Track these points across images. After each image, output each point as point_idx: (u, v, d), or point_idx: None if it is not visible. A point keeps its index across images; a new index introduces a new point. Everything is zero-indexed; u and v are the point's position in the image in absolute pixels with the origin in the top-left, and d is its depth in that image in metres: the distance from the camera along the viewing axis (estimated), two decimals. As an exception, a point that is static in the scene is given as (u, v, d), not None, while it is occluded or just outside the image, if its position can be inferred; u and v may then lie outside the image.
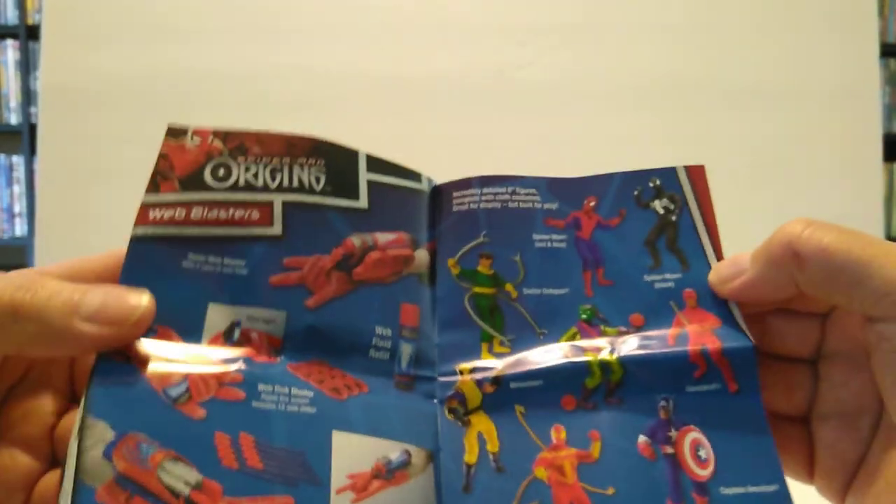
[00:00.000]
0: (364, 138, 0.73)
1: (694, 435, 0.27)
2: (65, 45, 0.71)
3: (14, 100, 2.24)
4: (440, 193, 0.32)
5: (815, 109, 0.73)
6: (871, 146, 0.73)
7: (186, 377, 0.25)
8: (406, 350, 0.29)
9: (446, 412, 0.28)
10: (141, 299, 0.25)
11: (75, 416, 0.25)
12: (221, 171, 0.29)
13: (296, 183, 0.29)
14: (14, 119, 2.24)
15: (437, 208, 0.32)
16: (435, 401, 0.28)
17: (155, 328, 0.26)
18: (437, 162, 0.72)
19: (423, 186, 0.32)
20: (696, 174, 0.31)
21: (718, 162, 0.73)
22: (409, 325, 0.29)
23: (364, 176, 0.31)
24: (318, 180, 0.29)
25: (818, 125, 0.73)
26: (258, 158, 0.29)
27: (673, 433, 0.27)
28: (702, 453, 0.26)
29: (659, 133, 0.72)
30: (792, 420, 0.29)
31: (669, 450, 0.26)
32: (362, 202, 0.30)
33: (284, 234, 0.28)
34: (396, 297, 0.29)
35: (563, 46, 0.73)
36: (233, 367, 0.26)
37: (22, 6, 2.20)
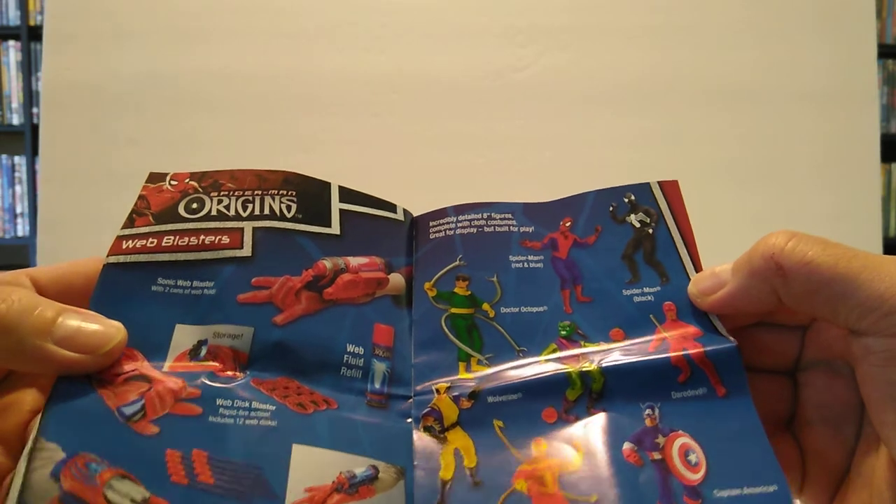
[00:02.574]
0: (364, 139, 0.74)
1: (683, 440, 0.26)
2: (66, 46, 0.72)
3: (16, 100, 2.25)
4: (418, 223, 0.32)
5: (814, 110, 0.73)
6: (869, 147, 0.74)
7: (143, 395, 0.25)
8: (379, 369, 0.28)
9: (422, 430, 0.27)
10: (115, 331, 0.25)
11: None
12: (195, 205, 0.29)
13: (267, 211, 0.30)
14: (16, 119, 2.25)
15: (415, 238, 0.32)
16: (409, 420, 0.27)
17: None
18: (438, 163, 0.72)
19: (398, 216, 0.33)
20: (670, 189, 0.31)
21: (717, 162, 0.73)
22: (382, 345, 0.29)
23: (336, 205, 0.31)
24: (289, 208, 0.30)
25: (816, 126, 0.73)
26: (231, 192, 0.30)
27: (661, 439, 0.26)
28: (692, 457, 0.25)
29: (658, 134, 0.73)
30: (778, 431, 0.29)
31: (657, 455, 0.25)
32: (334, 229, 0.30)
33: (254, 254, 0.28)
34: (369, 317, 0.29)
35: (563, 49, 0.73)
36: (193, 382, 0.25)
37: (24, 7, 2.20)
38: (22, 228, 2.30)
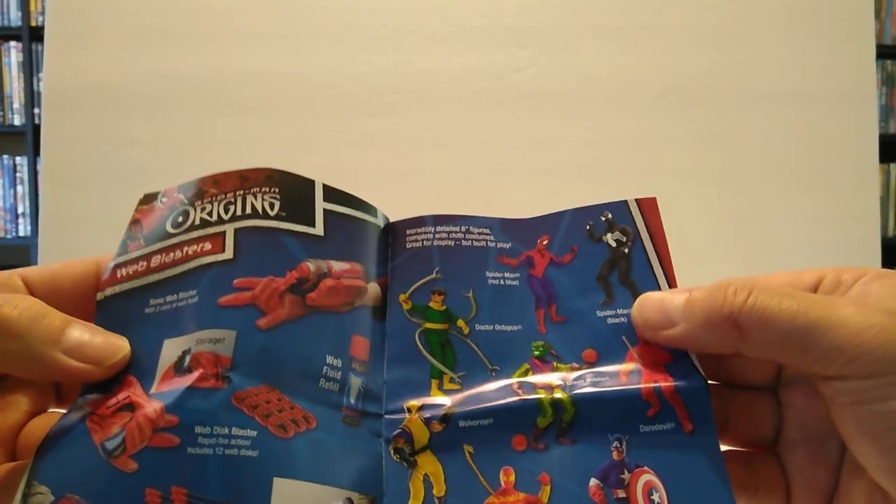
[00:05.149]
0: (364, 139, 0.74)
1: (647, 477, 0.26)
2: (68, 47, 0.72)
3: (18, 101, 2.25)
4: (394, 230, 0.32)
5: (812, 111, 0.74)
6: (868, 147, 0.74)
7: (124, 426, 0.24)
8: (355, 383, 0.28)
9: (392, 453, 0.27)
10: (121, 344, 0.25)
11: (47, 419, 0.26)
12: (180, 219, 0.29)
13: (249, 210, 0.29)
14: (18, 120, 2.25)
15: (391, 244, 0.31)
16: (381, 440, 0.27)
17: (120, 378, 0.26)
18: (438, 163, 0.73)
19: (378, 221, 0.32)
20: (648, 206, 0.31)
21: (716, 163, 0.73)
22: (358, 358, 0.28)
23: (320, 204, 0.30)
24: (272, 206, 0.29)
25: (815, 126, 0.74)
26: (214, 197, 0.29)
27: (626, 475, 0.26)
28: (655, 497, 0.26)
29: (658, 135, 0.73)
30: (763, 451, 0.29)
31: (622, 494, 0.26)
32: (318, 229, 0.30)
33: (236, 256, 0.28)
34: (348, 327, 0.28)
35: (562, 49, 0.73)
36: (172, 404, 0.24)
37: (25, 8, 2.21)
38: (24, 228, 2.31)
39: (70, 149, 0.72)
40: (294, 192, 0.30)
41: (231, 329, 0.26)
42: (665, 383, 0.27)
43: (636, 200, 0.31)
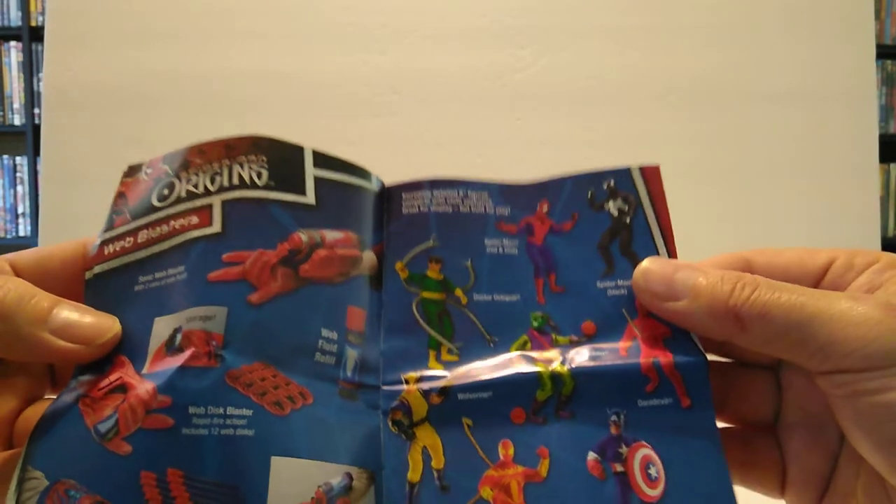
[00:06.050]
0: (364, 139, 0.74)
1: (645, 451, 0.26)
2: (68, 47, 0.72)
3: (18, 101, 2.25)
4: (389, 194, 0.31)
5: (812, 111, 0.74)
6: (868, 147, 0.74)
7: (116, 408, 0.24)
8: (352, 356, 0.27)
9: (390, 425, 0.27)
10: (111, 323, 0.25)
11: (44, 406, 0.25)
12: (166, 191, 0.28)
13: (236, 180, 0.28)
14: (18, 120, 2.25)
15: (386, 210, 0.30)
16: (379, 412, 0.27)
17: (112, 359, 0.25)
18: (438, 163, 0.73)
19: (372, 185, 0.30)
20: (651, 175, 0.30)
21: (716, 163, 0.73)
22: (355, 330, 0.28)
23: (311, 171, 0.29)
24: (259, 175, 0.28)
25: (815, 126, 0.74)
26: (199, 168, 0.28)
27: (623, 449, 0.26)
28: (652, 471, 0.26)
29: (658, 135, 0.73)
30: (762, 431, 0.29)
31: (619, 468, 0.26)
32: (309, 198, 0.28)
33: (224, 229, 0.27)
34: (343, 298, 0.28)
35: (562, 49, 0.73)
36: (164, 384, 0.24)
37: (25, 8, 2.21)
38: (24, 228, 2.31)
39: (70, 149, 0.72)
40: (282, 159, 0.28)
41: (222, 305, 0.25)
42: (664, 359, 0.27)
43: (640, 168, 0.30)
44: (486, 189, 0.30)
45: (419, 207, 0.30)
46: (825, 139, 0.73)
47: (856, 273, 0.26)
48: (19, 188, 2.30)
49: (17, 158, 2.29)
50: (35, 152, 2.23)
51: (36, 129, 2.18)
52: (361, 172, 0.30)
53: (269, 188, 0.28)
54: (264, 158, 0.28)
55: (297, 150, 0.29)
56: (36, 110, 2.22)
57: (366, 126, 0.73)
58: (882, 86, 2.28)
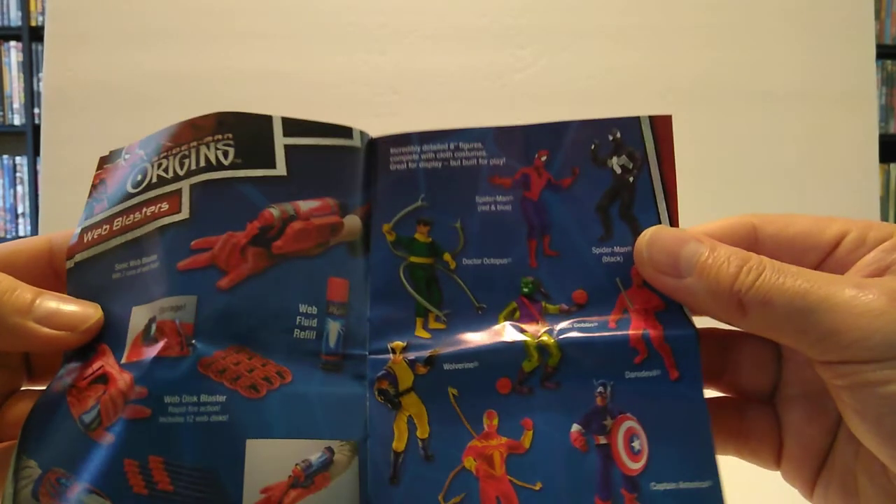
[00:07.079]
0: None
1: (629, 424, 0.26)
2: (68, 47, 0.72)
3: (18, 101, 2.25)
4: (376, 149, 0.29)
5: (813, 111, 0.74)
6: (868, 147, 0.74)
7: (98, 399, 0.24)
8: (334, 328, 0.27)
9: (376, 394, 0.26)
10: (93, 310, 0.26)
11: (23, 397, 0.26)
12: (140, 177, 0.28)
13: (203, 162, 0.27)
14: (18, 120, 2.25)
15: (373, 166, 0.29)
16: (365, 381, 0.27)
17: (95, 347, 0.26)
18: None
19: (356, 142, 0.29)
20: (662, 126, 0.28)
21: (716, 163, 0.73)
22: (336, 301, 0.27)
23: (280, 141, 0.28)
24: (225, 154, 0.27)
25: (815, 126, 0.74)
26: (169, 152, 0.27)
27: (608, 421, 0.26)
28: (635, 444, 0.25)
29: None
30: (760, 402, 0.29)
31: (603, 440, 0.25)
32: (280, 169, 0.27)
33: (192, 215, 0.26)
34: (323, 270, 0.27)
35: (563, 49, 0.73)
36: (140, 375, 0.24)
37: (25, 8, 2.21)
38: (24, 228, 2.31)
39: (70, 148, 0.72)
40: (250, 133, 0.28)
41: (191, 294, 0.25)
42: (654, 331, 0.26)
43: (650, 118, 0.28)
44: (479, 138, 0.29)
45: (407, 164, 0.29)
46: (825, 139, 0.74)
47: (867, 249, 0.25)
48: (19, 188, 2.30)
49: (17, 158, 2.29)
50: (35, 152, 2.23)
51: (36, 129, 2.18)
52: (340, 130, 0.29)
53: (235, 167, 0.27)
54: (230, 136, 0.27)
55: (266, 121, 0.28)
56: (36, 110, 2.22)
57: (366, 126, 0.72)
58: (882, 86, 2.28)
